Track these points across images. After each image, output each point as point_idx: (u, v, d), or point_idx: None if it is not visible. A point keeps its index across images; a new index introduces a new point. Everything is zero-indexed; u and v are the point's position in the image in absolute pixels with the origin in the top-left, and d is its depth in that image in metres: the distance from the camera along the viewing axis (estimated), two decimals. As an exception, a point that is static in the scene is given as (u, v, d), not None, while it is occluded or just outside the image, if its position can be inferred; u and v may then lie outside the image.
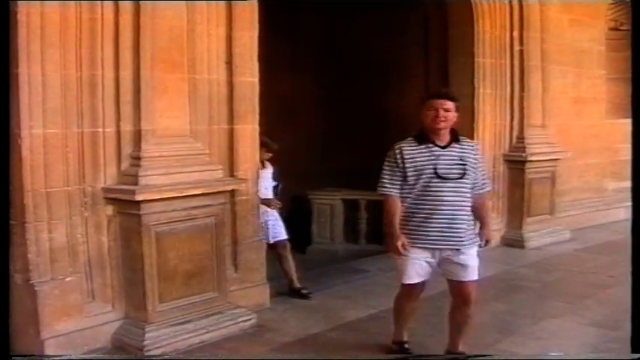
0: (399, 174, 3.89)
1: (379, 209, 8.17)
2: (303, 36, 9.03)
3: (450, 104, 3.87)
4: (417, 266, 3.91)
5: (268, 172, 5.85)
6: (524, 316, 5.19)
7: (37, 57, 4.00)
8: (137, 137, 4.42)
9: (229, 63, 4.96)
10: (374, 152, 7.97)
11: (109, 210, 4.41)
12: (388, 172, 3.94)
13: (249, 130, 5.13)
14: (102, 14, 4.25)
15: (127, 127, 4.40)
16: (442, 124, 3.85)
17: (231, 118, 5.00)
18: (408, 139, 3.98)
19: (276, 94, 7.18)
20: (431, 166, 3.82)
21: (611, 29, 9.58)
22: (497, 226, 7.87)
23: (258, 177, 5.36)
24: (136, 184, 4.29)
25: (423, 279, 3.97)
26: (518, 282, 6.29)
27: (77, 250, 4.29)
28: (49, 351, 4.09)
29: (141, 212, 4.28)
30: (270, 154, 5.81)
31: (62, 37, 4.11)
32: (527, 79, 7.95)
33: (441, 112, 3.82)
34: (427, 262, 3.90)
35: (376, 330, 4.82)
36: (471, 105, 7.55)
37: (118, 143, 4.39)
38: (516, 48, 7.84)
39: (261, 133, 5.37)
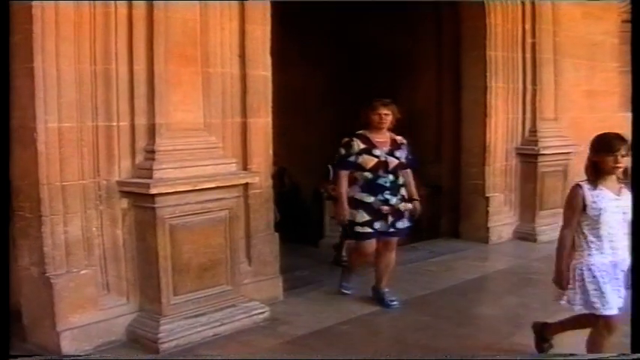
0: None
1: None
2: (314, 32, 9.02)
3: None
4: None
5: (625, 199, 3.58)
6: (537, 310, 5.16)
7: (51, 51, 4.02)
8: (151, 131, 4.43)
9: (242, 56, 4.96)
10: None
11: (124, 203, 4.43)
12: None
13: (262, 124, 5.13)
14: (115, 8, 4.26)
15: (141, 121, 4.41)
16: None
17: (244, 111, 5.01)
18: None
19: (288, 89, 7.16)
20: None
21: (624, 21, 9.48)
22: (509, 220, 7.87)
23: (585, 203, 3.55)
24: (150, 177, 4.31)
25: None
26: (531, 275, 6.26)
27: (92, 243, 4.31)
28: (64, 343, 4.12)
29: (155, 205, 4.30)
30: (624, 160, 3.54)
31: (76, 31, 4.12)
32: (540, 72, 7.88)
33: None
34: None
35: (388, 323, 4.83)
36: (483, 99, 7.54)
37: (133, 137, 4.41)
38: (528, 41, 7.77)
39: (615, 135, 3.57)
